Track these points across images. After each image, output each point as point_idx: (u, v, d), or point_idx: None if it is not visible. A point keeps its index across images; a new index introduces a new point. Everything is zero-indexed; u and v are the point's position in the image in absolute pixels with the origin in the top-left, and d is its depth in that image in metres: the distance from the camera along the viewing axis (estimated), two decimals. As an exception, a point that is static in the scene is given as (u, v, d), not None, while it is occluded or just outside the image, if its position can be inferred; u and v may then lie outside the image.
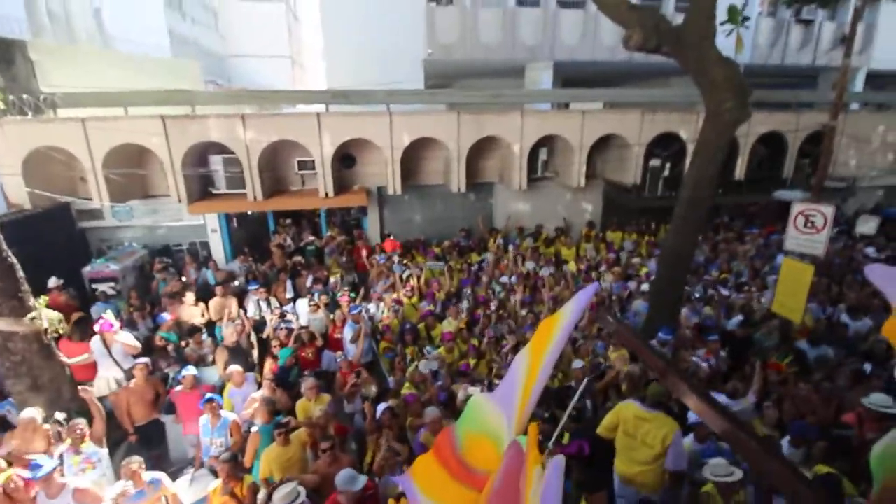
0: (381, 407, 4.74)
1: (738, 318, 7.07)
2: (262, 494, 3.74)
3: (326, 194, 9.79)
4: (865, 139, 12.09)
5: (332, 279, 8.94)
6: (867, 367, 5.65)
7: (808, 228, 6.48)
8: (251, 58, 19.76)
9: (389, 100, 9.87)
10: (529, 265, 8.93)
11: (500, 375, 5.69)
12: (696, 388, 1.02)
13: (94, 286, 8.39)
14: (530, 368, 1.51)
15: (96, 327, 5.76)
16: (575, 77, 16.45)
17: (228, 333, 6.57)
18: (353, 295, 8.10)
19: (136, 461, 4.01)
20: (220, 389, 6.03)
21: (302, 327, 6.91)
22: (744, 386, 5.10)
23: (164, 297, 8.01)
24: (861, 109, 14.54)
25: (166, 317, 6.93)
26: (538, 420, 4.55)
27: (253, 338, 7.24)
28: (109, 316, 5.96)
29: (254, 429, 4.72)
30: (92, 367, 5.81)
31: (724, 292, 8.01)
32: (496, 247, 9.97)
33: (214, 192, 9.95)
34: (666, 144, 11.36)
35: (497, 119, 10.06)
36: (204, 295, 8.27)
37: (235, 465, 3.85)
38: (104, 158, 8.52)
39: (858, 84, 16.72)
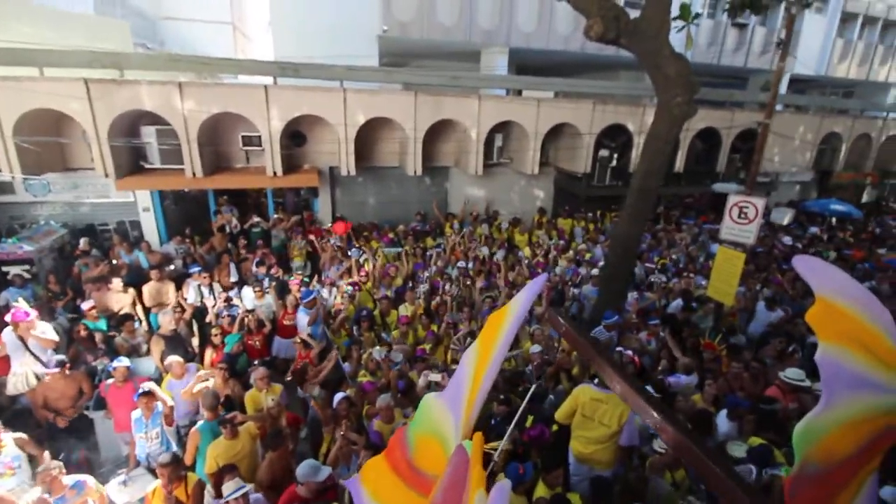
0: (338, 396, 4.60)
1: (679, 301, 7.52)
2: (209, 491, 3.51)
3: (275, 173, 9.26)
4: (788, 138, 13.18)
5: (293, 263, 8.56)
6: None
7: (742, 219, 6.96)
8: (187, 21, 18.09)
9: (346, 76, 9.43)
10: (484, 250, 8.99)
11: (456, 360, 5.70)
12: (629, 380, 1.04)
13: (4, 269, 7.46)
14: (477, 368, 1.49)
15: (8, 317, 5.12)
16: (528, 65, 16.58)
17: (166, 321, 6.07)
18: (306, 279, 7.80)
19: (54, 466, 3.62)
20: (157, 382, 5.61)
21: (248, 311, 6.55)
22: (692, 362, 5.47)
23: (87, 282, 7.26)
24: (784, 111, 15.81)
25: (87, 305, 6.29)
26: (492, 415, 4.62)
27: (194, 326, 6.80)
28: (23, 304, 5.31)
29: (194, 427, 4.42)
30: (4, 361, 5.18)
31: (663, 278, 8.49)
32: (453, 232, 9.94)
33: (147, 166, 9.10)
34: (614, 136, 11.78)
35: (455, 102, 9.93)
36: (136, 279, 7.61)
37: (177, 467, 3.58)
38: (15, 124, 7.51)
39: (783, 87, 18.17)
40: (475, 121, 10.06)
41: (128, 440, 5.06)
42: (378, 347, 5.50)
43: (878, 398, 1.08)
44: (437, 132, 10.58)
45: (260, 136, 9.35)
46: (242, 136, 9.44)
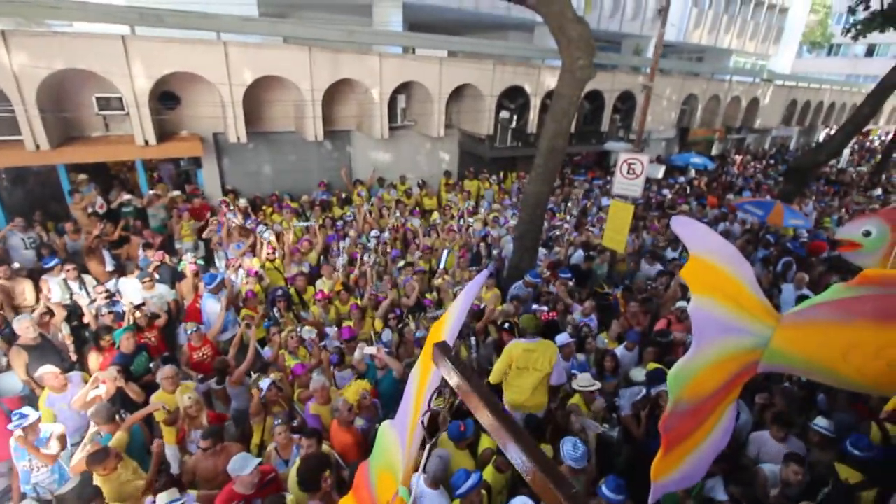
0: (266, 382, 4.28)
1: (580, 252, 8.21)
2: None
3: (146, 142, 7.95)
4: (657, 99, 14.72)
5: (182, 245, 7.53)
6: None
7: (630, 174, 7.70)
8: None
9: (223, 27, 8.22)
10: (396, 216, 8.84)
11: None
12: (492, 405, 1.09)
13: None
14: (418, 390, 1.38)
15: None
16: (421, 23, 16.12)
17: (24, 327, 4.99)
18: (200, 262, 6.99)
19: None
20: (28, 399, 4.71)
21: (137, 306, 5.69)
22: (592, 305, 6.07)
23: None
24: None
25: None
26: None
27: (65, 329, 5.75)
28: None
29: (96, 438, 3.82)
30: None
31: (575, 234, 9.18)
32: (362, 200, 9.57)
33: (-34, 138, 7.23)
34: (513, 97, 12.11)
35: (355, 60, 9.31)
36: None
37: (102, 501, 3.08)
38: None
39: (649, 52, 20.09)
40: (377, 80, 9.57)
41: (2, 472, 4.26)
42: (307, 327, 5.20)
43: (740, 339, 1.23)
44: (336, 93, 9.90)
45: (121, 98, 7.90)
46: (97, 98, 7.88)
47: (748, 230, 10.25)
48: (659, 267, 8.11)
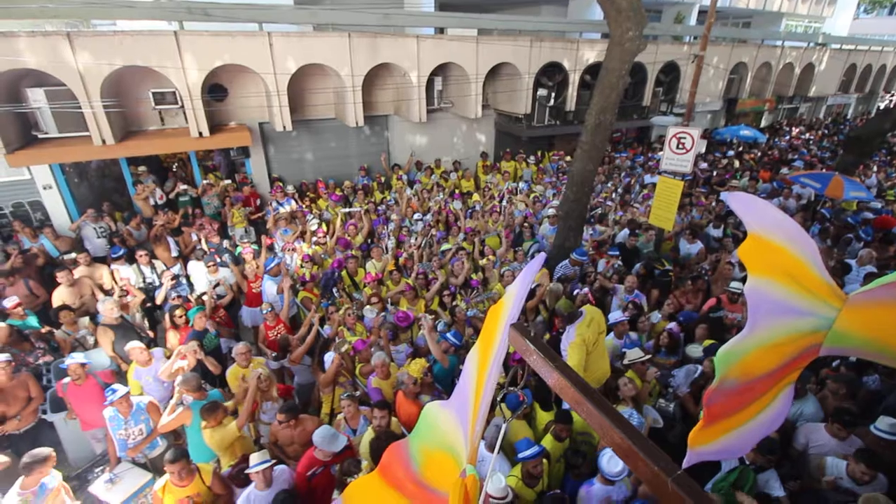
0: (329, 357, 4.52)
1: (625, 231, 8.09)
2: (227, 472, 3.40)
3: (200, 134, 8.32)
4: (703, 69, 14.03)
5: (234, 231, 7.91)
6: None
7: (679, 149, 7.47)
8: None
9: (265, 17, 8.41)
10: (439, 199, 8.93)
11: (433, 311, 5.78)
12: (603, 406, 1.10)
13: None
14: (479, 372, 1.35)
15: None
16: (452, 2, 15.88)
17: (108, 309, 5.46)
18: (256, 247, 7.34)
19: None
20: (117, 374, 5.16)
21: (201, 294, 6.07)
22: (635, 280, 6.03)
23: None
24: (691, 42, 16.72)
25: (10, 302, 5.48)
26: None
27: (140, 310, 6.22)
28: None
29: (187, 401, 4.16)
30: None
31: (620, 213, 9.02)
32: (403, 184, 9.71)
33: (41, 136, 7.77)
34: (550, 74, 11.85)
35: (392, 44, 9.34)
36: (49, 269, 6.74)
37: (187, 462, 3.39)
38: None
39: (692, 20, 19.08)
40: (415, 63, 9.59)
41: (99, 437, 4.70)
42: (368, 306, 5.43)
43: (801, 321, 1.16)
44: (374, 78, 9.98)
45: (174, 92, 8.27)
46: (153, 94, 8.28)
47: (804, 205, 9.78)
48: (699, 245, 7.88)
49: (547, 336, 5.41)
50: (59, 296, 5.78)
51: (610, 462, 3.33)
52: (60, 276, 5.83)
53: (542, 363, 1.26)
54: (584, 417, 1.15)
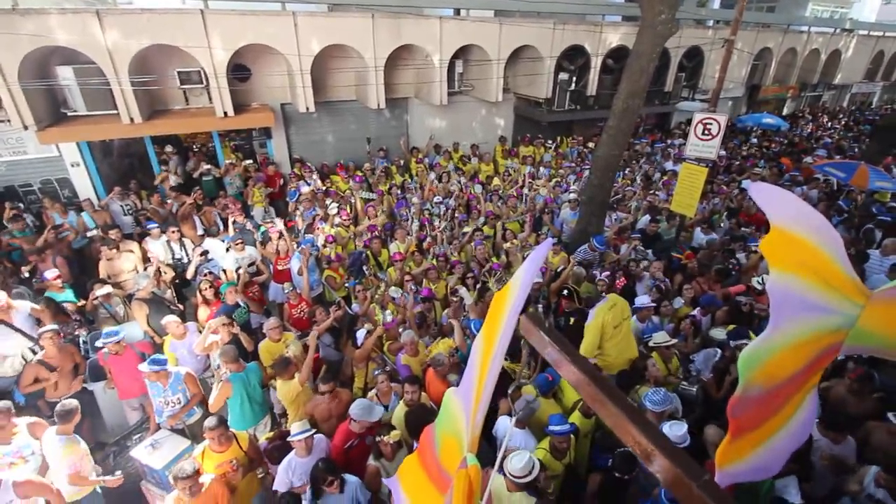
0: (361, 333, 4.63)
1: (646, 217, 8.07)
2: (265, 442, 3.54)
3: (225, 113, 8.38)
4: (740, 52, 13.73)
5: (254, 211, 8.02)
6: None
7: (705, 135, 7.39)
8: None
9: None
10: (461, 182, 8.96)
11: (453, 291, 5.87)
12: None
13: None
14: (483, 359, 1.31)
15: None
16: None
17: (144, 283, 5.63)
18: (273, 222, 7.45)
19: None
20: (151, 345, 5.33)
21: (238, 269, 6.20)
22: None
23: (30, 253, 6.43)
24: (723, 27, 16.31)
25: (51, 274, 5.67)
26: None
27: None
28: None
29: (224, 376, 4.32)
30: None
31: (618, 197, 8.96)
32: (424, 167, 9.73)
33: (70, 114, 7.89)
34: (572, 58, 11.69)
35: (415, 25, 9.27)
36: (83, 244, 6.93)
37: (225, 429, 3.54)
38: None
39: (716, 2, 18.61)
40: (437, 45, 9.52)
41: (135, 406, 4.89)
42: (393, 287, 5.53)
43: (824, 318, 1.11)
44: (395, 60, 9.93)
45: (199, 72, 8.32)
46: (179, 73, 8.34)
47: (826, 194, 9.65)
48: (714, 235, 7.85)
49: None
50: (103, 268, 5.96)
51: (672, 428, 3.39)
52: (105, 250, 6.00)
53: (559, 356, 1.23)
54: (601, 415, 1.13)
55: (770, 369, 1.12)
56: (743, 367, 1.12)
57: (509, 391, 1.83)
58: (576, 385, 1.19)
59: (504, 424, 3.89)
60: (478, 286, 5.67)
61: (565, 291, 5.43)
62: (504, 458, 3.13)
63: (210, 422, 3.52)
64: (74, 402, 3.77)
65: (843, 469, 3.51)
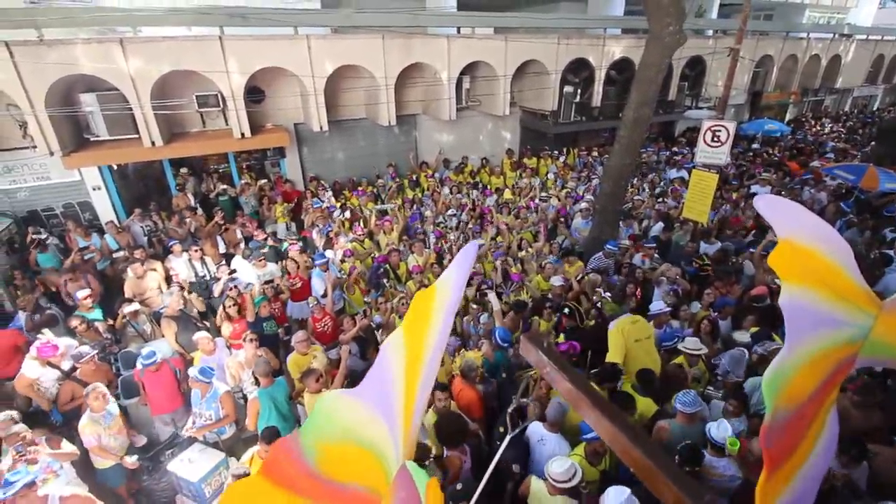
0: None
1: (660, 224, 8.15)
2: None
3: (242, 135, 8.61)
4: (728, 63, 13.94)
5: (276, 227, 8.19)
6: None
7: (714, 142, 7.51)
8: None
9: (302, 21, 8.68)
10: (474, 195, 9.11)
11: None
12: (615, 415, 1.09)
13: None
14: (408, 368, 1.24)
15: (33, 352, 4.68)
16: (472, 2, 15.99)
17: (173, 301, 5.75)
18: (301, 243, 7.60)
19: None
20: (185, 362, 5.42)
21: (267, 282, 6.32)
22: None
23: (64, 272, 6.61)
24: (723, 35, 16.54)
25: (83, 293, 5.81)
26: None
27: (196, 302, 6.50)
28: (49, 335, 4.94)
29: (252, 395, 4.41)
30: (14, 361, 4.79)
31: (629, 205, 9.03)
32: (434, 182, 9.90)
33: (92, 139, 8.13)
34: (576, 71, 11.92)
35: (424, 44, 9.53)
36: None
37: (277, 436, 3.64)
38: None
39: (714, 13, 18.87)
40: (446, 63, 9.76)
41: (167, 421, 4.96)
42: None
43: (838, 332, 1.09)
44: (403, 78, 10.17)
45: (216, 95, 8.58)
46: (197, 97, 8.60)
47: (836, 196, 9.69)
48: (718, 245, 7.87)
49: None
50: (129, 287, 6.09)
51: (720, 427, 3.39)
52: (132, 269, 6.16)
53: (556, 375, 1.22)
54: (598, 432, 1.11)
55: (792, 390, 1.11)
56: (768, 391, 1.10)
57: (508, 410, 1.85)
58: (571, 401, 1.19)
59: (537, 430, 3.88)
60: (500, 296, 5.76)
61: (567, 310, 5.26)
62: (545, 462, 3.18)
63: (265, 434, 3.64)
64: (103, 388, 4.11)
65: (855, 493, 3.28)
